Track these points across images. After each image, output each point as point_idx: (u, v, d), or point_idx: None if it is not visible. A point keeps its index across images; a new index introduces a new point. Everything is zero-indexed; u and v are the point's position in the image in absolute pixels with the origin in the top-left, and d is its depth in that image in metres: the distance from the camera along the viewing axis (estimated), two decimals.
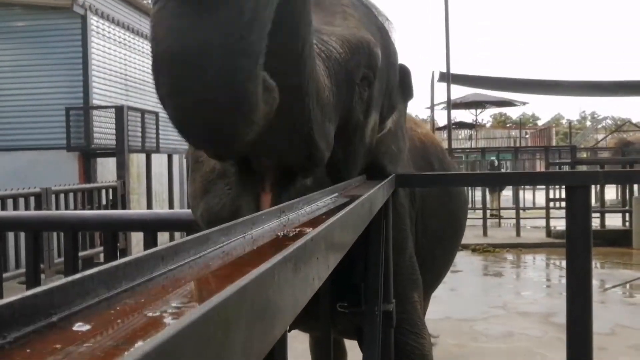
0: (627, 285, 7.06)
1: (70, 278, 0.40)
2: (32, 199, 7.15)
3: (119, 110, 12.00)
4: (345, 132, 1.48)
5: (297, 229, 0.76)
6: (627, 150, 14.37)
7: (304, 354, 3.59)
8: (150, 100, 15.18)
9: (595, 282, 4.76)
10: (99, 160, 12.73)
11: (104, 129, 12.58)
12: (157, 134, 13.90)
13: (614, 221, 10.55)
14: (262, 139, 1.06)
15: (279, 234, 0.75)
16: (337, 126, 1.42)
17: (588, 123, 52.62)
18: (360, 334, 1.80)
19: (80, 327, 0.36)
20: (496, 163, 14.44)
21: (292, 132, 1.21)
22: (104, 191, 9.07)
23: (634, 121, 28.52)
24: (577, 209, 1.89)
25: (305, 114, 1.20)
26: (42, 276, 5.18)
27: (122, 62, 14.27)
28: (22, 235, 3.57)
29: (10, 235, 6.58)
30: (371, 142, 1.69)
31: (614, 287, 6.90)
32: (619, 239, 9.56)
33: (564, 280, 2.04)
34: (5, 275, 5.49)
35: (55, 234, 6.58)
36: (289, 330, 2.14)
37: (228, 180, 1.43)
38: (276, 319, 0.48)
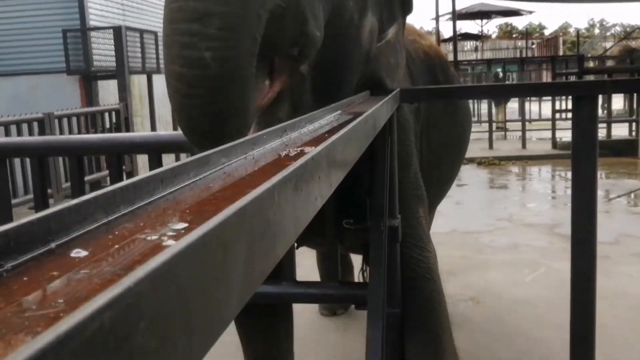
0: (632, 195, 7.10)
1: (67, 204, 0.39)
2: (35, 124, 7.13)
3: (117, 31, 11.74)
4: (338, 29, 1.45)
5: (299, 148, 0.75)
6: (635, 58, 14.06)
7: (313, 269, 3.67)
8: (148, 19, 14.82)
9: (600, 193, 4.78)
10: (100, 83, 12.59)
11: (102, 51, 12.36)
12: (157, 54, 13.67)
13: (620, 131, 10.50)
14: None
15: (280, 153, 0.74)
16: (329, 21, 1.39)
17: (596, 31, 51.37)
18: (367, 250, 1.82)
19: (78, 253, 0.36)
20: (500, 75, 14.21)
21: (284, 10, 1.20)
22: (107, 114, 9.03)
23: None
24: (584, 119, 1.86)
25: None
26: (51, 201, 5.25)
27: None
28: (29, 161, 3.58)
29: (17, 162, 6.61)
30: (369, 50, 1.65)
31: (618, 196, 6.95)
32: (625, 149, 9.54)
33: (569, 192, 2.05)
34: (14, 201, 5.56)
35: (61, 158, 6.61)
36: (297, 248, 2.18)
37: None
38: (277, 238, 0.48)
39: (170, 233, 0.39)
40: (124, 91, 11.05)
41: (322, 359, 3.06)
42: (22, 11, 12.42)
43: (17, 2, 12.42)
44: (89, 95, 12.28)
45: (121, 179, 2.76)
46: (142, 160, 8.50)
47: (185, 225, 0.41)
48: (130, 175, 7.82)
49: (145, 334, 0.26)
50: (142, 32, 13.08)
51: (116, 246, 0.37)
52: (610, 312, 3.35)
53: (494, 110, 12.01)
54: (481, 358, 3.00)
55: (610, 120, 10.33)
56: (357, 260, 3.24)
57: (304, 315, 3.42)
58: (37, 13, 12.41)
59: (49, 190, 5.74)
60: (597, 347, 1.97)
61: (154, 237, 0.39)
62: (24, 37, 12.49)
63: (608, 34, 34.31)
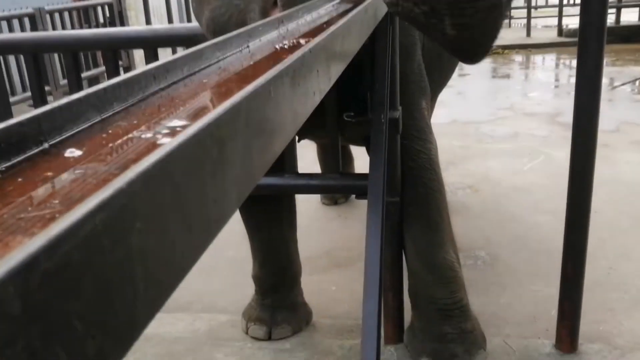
0: (637, 82, 7.01)
1: (57, 103, 0.38)
2: (26, 20, 6.92)
3: None
4: None
5: (296, 40, 0.73)
6: None
7: (314, 161, 3.70)
8: None
9: (604, 80, 4.72)
10: None
11: None
12: None
13: (629, 17, 10.18)
14: None
15: (277, 46, 0.71)
16: None
17: None
18: (368, 141, 1.82)
19: (72, 153, 0.35)
20: None
21: None
22: (100, 9, 8.75)
23: None
24: (593, 3, 1.80)
25: None
26: (50, 98, 5.20)
27: None
28: (23, 58, 3.51)
29: (12, 60, 6.50)
30: None
31: (623, 84, 6.86)
32: (633, 35, 9.29)
33: (573, 80, 2.01)
34: (13, 98, 5.52)
35: (57, 55, 6.48)
36: (298, 141, 2.18)
37: None
38: (275, 134, 0.47)
39: (165, 131, 0.39)
40: None
41: (324, 245, 3.16)
42: None
43: None
44: None
45: (118, 75, 2.72)
46: (139, 55, 8.33)
47: (180, 122, 0.40)
48: (127, 70, 7.70)
49: (141, 234, 0.26)
50: None
51: (110, 145, 0.37)
52: (606, 198, 3.40)
53: None
54: (477, 243, 3.08)
55: (620, 5, 9.99)
56: (356, 151, 3.25)
57: (307, 204, 3.48)
58: None
59: (47, 87, 5.67)
60: (590, 232, 2.02)
61: (148, 135, 0.38)
62: None
63: None
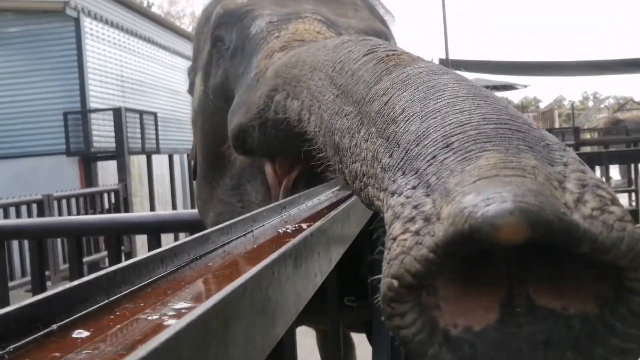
0: None
1: (68, 285, 0.40)
2: (34, 205, 7.15)
3: (117, 113, 11.98)
4: None
5: (298, 224, 0.76)
6: (631, 129, 14.34)
7: (314, 348, 3.59)
8: (147, 100, 15.16)
9: None
10: (100, 163, 12.73)
11: (102, 132, 12.57)
12: (157, 134, 13.89)
13: (619, 201, 10.52)
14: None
15: (280, 230, 0.74)
16: None
17: (590, 103, 52.41)
18: (369, 328, 1.79)
19: (79, 334, 0.36)
20: None
21: None
22: (106, 195, 9.08)
23: (636, 99, 28.35)
24: None
25: None
26: (49, 283, 5.19)
27: (117, 64, 14.25)
28: (27, 243, 3.57)
29: (15, 244, 6.59)
30: None
31: None
32: None
33: None
34: (11, 284, 5.51)
35: (59, 239, 6.59)
36: (296, 326, 2.14)
37: (242, 197, 1.42)
38: (278, 316, 0.48)
39: (171, 312, 0.39)
40: (123, 172, 11.15)
41: None
42: (24, 95, 12.71)
43: (20, 86, 12.72)
44: (89, 176, 12.39)
45: (120, 260, 2.75)
46: (141, 240, 8.47)
47: (186, 304, 0.41)
48: (129, 255, 7.78)
49: None
50: (141, 113, 13.36)
51: (117, 326, 0.38)
52: None
53: None
54: None
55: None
56: (357, 338, 3.17)
57: None
58: (39, 97, 12.69)
59: (47, 272, 5.69)
60: None
61: (155, 317, 0.39)
62: (26, 119, 12.72)
63: (602, 106, 34.98)
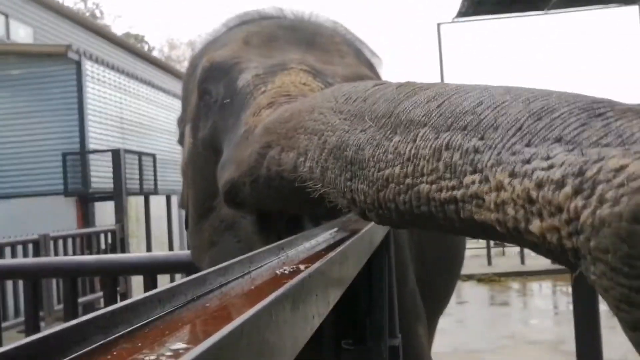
0: None
1: (65, 324, 0.40)
2: (30, 245, 7.12)
3: (116, 154, 12.05)
4: None
5: (295, 266, 0.76)
6: None
7: None
8: (146, 142, 15.25)
9: (603, 307, 4.70)
10: (97, 204, 12.72)
11: (101, 173, 12.61)
12: (155, 175, 13.93)
13: None
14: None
15: (277, 271, 0.74)
16: None
17: None
18: None
19: None
20: None
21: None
22: (102, 235, 9.05)
23: None
24: None
25: None
26: (42, 324, 5.12)
27: (117, 106, 14.39)
28: (21, 283, 3.54)
29: (9, 284, 6.53)
30: None
31: None
32: None
33: (572, 307, 2.04)
34: (4, 324, 5.43)
35: (54, 280, 6.53)
36: None
37: (237, 233, 1.42)
38: (275, 358, 0.47)
39: (169, 353, 0.39)
40: (120, 212, 11.14)
41: None
42: (25, 135, 12.79)
43: (21, 127, 12.81)
44: (86, 216, 12.37)
45: (116, 300, 2.73)
46: (137, 280, 8.40)
47: (183, 345, 0.41)
48: (124, 296, 7.70)
49: None
50: (140, 154, 13.43)
51: None
52: None
53: None
54: None
55: None
56: None
57: None
58: (38, 137, 12.77)
59: (41, 313, 5.63)
60: None
61: (152, 357, 0.39)
62: (24, 160, 12.77)
63: None
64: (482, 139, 0.57)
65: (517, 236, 0.55)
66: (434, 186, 0.62)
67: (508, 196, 0.53)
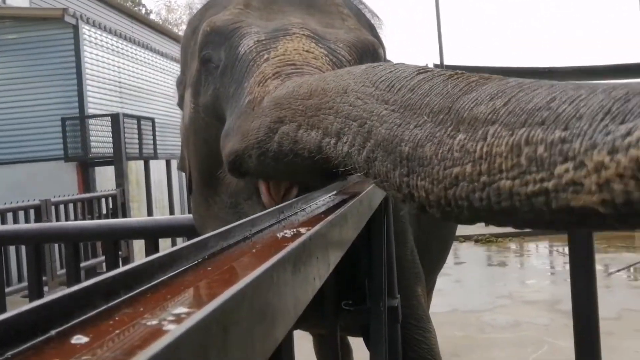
0: (632, 269, 7.06)
1: (67, 290, 0.40)
2: (31, 211, 7.15)
3: (115, 118, 12.00)
4: None
5: (296, 229, 0.76)
6: None
7: (311, 351, 3.59)
8: (145, 106, 15.18)
9: (599, 267, 4.76)
10: (97, 169, 12.73)
11: (100, 138, 12.57)
12: (154, 140, 13.90)
13: None
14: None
15: (278, 235, 0.74)
16: None
17: None
18: (366, 331, 1.79)
19: (78, 340, 0.36)
20: None
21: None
22: (103, 200, 9.07)
23: None
24: None
25: None
26: (46, 288, 5.18)
27: (115, 70, 14.26)
28: (24, 248, 3.57)
29: (12, 249, 6.58)
30: None
31: (618, 271, 6.91)
32: None
33: (568, 267, 2.06)
34: (8, 289, 5.49)
35: (56, 245, 6.58)
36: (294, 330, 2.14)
37: (238, 210, 1.42)
38: (277, 320, 0.48)
39: (170, 317, 0.39)
40: (121, 177, 11.15)
41: None
42: (22, 101, 12.71)
43: (18, 92, 12.72)
44: (86, 181, 12.38)
45: (117, 265, 2.75)
46: (139, 245, 8.46)
47: (185, 309, 0.41)
48: (126, 260, 7.77)
49: None
50: (139, 118, 13.37)
51: (117, 332, 0.38)
52: None
53: None
54: None
55: None
56: (354, 342, 3.17)
57: None
58: (37, 102, 12.70)
59: (44, 278, 5.68)
60: None
61: (154, 322, 0.39)
62: (24, 126, 12.72)
63: None
64: (566, 129, 0.57)
65: (627, 212, 0.54)
66: (517, 181, 0.61)
67: (612, 172, 0.52)
